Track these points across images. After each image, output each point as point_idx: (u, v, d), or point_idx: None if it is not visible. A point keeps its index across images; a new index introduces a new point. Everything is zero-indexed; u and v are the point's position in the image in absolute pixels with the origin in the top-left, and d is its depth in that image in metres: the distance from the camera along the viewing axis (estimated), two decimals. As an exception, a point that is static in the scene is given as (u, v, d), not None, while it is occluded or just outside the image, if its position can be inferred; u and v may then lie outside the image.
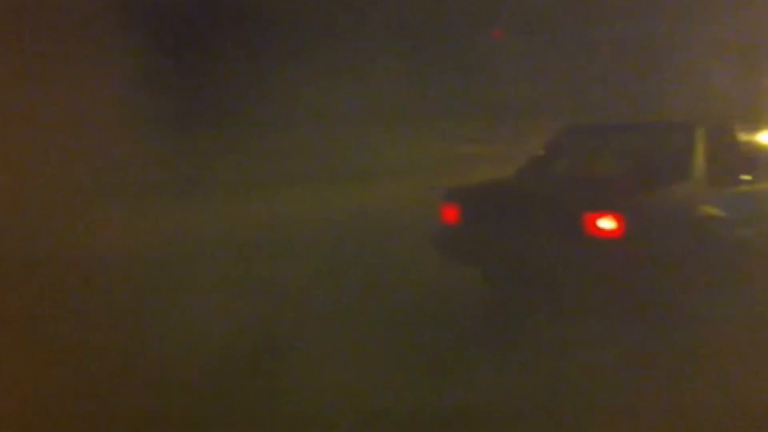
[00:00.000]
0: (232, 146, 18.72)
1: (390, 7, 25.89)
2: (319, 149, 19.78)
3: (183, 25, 20.94)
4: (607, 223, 7.13)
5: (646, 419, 5.39)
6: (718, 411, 5.47)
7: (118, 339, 7.07)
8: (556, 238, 7.35)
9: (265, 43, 22.56)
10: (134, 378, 6.24)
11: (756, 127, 9.09)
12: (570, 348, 6.63)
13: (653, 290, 7.26)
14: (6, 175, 12.51)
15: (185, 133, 17.50)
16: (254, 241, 11.23)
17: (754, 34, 27.95)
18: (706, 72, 27.12)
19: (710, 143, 7.96)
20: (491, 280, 8.33)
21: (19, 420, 5.47)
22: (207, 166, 16.50)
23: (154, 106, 15.19)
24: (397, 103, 25.48)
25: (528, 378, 6.09)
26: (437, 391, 5.89)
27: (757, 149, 8.52)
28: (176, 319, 7.44)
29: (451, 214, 8.12)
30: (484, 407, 5.60)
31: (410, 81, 25.81)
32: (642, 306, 7.21)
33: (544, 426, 5.40)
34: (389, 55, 25.55)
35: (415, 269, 9.16)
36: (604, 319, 7.07)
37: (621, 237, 7.10)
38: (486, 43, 27.71)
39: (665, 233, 7.28)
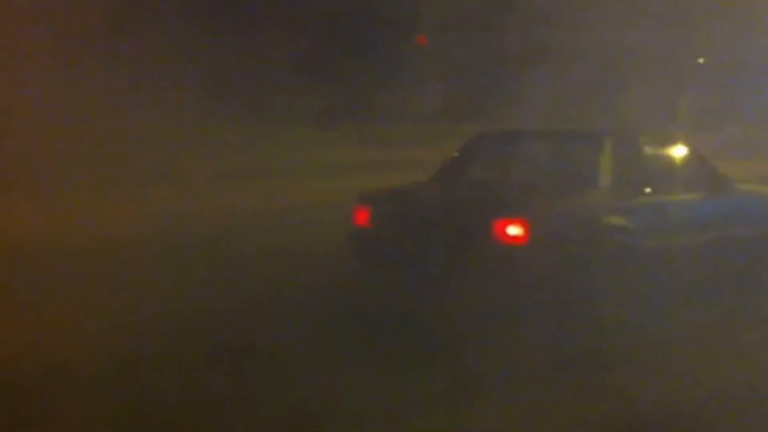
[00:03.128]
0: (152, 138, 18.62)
1: (308, 12, 25.99)
2: (229, 148, 19.71)
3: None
4: (512, 229, 7.28)
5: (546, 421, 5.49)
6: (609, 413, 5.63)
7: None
8: (465, 243, 7.51)
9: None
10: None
11: (664, 139, 9.35)
12: (472, 350, 6.76)
13: (557, 296, 7.41)
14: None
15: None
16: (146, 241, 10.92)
17: (671, 49, 28.77)
18: (618, 82, 27.77)
19: (616, 153, 8.14)
20: (401, 282, 8.29)
21: None
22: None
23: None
24: (313, 104, 25.62)
25: (424, 379, 6.16)
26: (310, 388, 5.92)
27: (662, 160, 8.73)
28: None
29: (363, 216, 8.20)
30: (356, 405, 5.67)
31: (325, 84, 25.97)
32: (546, 311, 7.32)
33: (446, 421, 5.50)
34: (304, 57, 25.64)
35: (321, 269, 9.24)
36: (509, 323, 7.22)
37: (526, 243, 7.27)
38: (403, 50, 27.96)
39: (570, 241, 7.45)
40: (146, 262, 9.40)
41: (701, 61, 34.05)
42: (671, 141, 9.12)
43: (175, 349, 6.71)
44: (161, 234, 11.26)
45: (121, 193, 14.46)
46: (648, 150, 8.62)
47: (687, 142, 8.91)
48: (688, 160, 8.76)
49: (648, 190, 8.23)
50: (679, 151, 8.85)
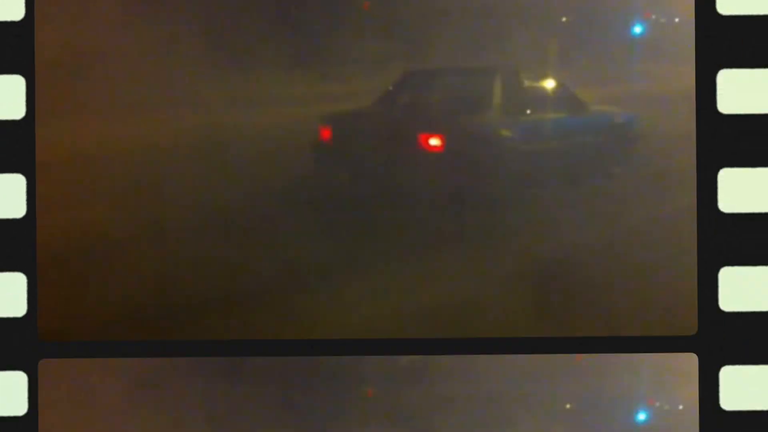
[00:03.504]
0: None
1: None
2: (228, 83, 19.32)
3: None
4: (433, 141, 7.69)
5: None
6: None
7: None
8: (399, 151, 7.88)
9: None
10: None
11: (538, 74, 9.51)
12: (413, 222, 7.03)
13: (467, 186, 7.67)
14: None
15: None
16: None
17: (542, 10, 28.63)
18: (503, 32, 27.77)
19: (505, 84, 8.49)
20: (355, 180, 8.51)
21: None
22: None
23: None
24: (284, 50, 25.09)
25: (376, 243, 6.54)
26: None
27: (537, 90, 8.94)
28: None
29: (326, 133, 8.37)
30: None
31: (293, 33, 25.44)
32: (460, 197, 7.58)
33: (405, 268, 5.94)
34: (275, 11, 25.08)
35: (300, 170, 8.88)
36: (436, 208, 7.43)
37: (443, 151, 7.63)
38: (353, 9, 27.44)
39: (474, 148, 7.83)
40: (178, 166, 9.20)
41: (564, 20, 34.46)
42: (543, 76, 9.32)
43: (198, 223, 6.90)
44: (184, 142, 11.03)
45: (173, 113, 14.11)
46: (527, 83, 8.84)
47: (555, 77, 9.11)
48: (555, 89, 8.99)
49: (528, 111, 8.52)
50: (549, 84, 9.06)
